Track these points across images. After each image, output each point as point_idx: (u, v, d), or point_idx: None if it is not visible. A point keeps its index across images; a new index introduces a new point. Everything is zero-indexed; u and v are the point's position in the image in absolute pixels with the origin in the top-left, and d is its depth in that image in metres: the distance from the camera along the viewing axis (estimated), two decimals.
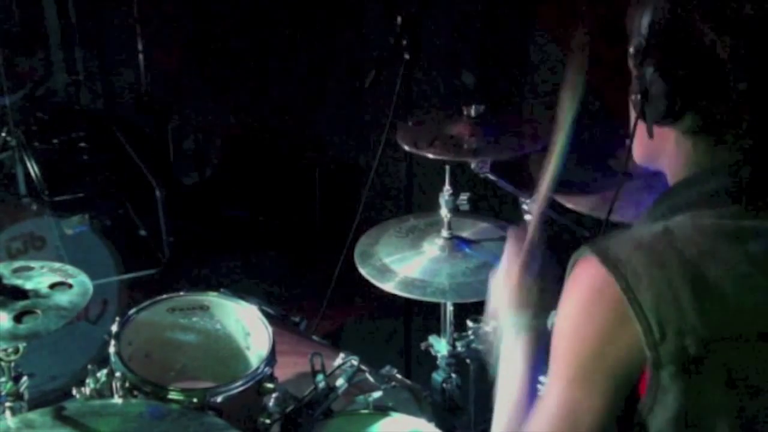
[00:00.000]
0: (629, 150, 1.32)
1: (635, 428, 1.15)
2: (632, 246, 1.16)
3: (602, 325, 1.13)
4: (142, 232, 4.23)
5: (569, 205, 2.24)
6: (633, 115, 1.27)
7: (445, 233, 2.47)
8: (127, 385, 2.02)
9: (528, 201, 2.54)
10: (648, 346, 1.10)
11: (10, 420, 1.80)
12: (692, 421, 1.12)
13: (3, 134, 4.32)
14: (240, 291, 2.46)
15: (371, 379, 2.30)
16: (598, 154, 2.29)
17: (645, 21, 1.18)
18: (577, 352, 1.15)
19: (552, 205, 2.58)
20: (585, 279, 1.17)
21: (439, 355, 2.58)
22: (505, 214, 2.69)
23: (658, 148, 1.25)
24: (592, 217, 2.82)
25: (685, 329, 1.09)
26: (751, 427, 1.13)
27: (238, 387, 2.03)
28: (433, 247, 2.47)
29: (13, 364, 1.86)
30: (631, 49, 1.21)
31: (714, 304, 1.11)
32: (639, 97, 1.20)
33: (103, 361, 2.14)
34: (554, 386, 1.18)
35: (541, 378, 1.31)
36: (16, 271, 1.95)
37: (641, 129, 1.26)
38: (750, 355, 1.12)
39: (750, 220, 1.17)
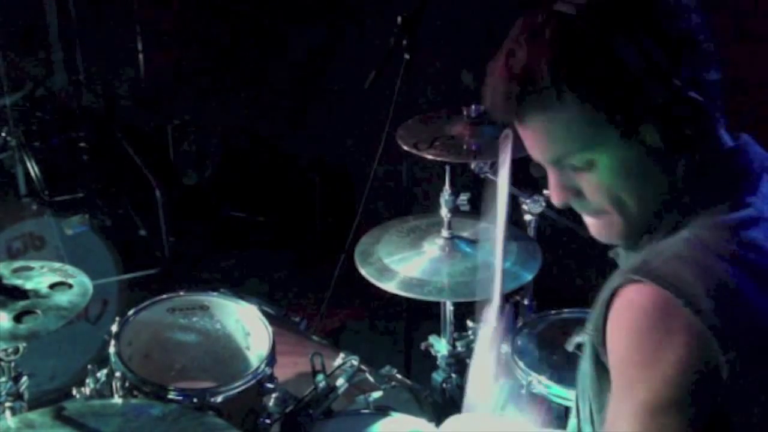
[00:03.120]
0: None
1: None
2: (674, 261, 1.13)
3: (677, 346, 1.09)
4: (142, 232, 4.22)
5: None
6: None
7: (445, 233, 2.47)
8: (127, 385, 2.02)
9: (528, 201, 2.54)
10: (722, 353, 1.07)
11: (10, 420, 1.80)
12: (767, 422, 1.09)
13: (3, 134, 4.31)
14: (240, 291, 2.46)
15: (371, 379, 2.30)
16: None
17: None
18: (657, 378, 1.09)
19: (552, 206, 2.60)
20: (644, 304, 1.12)
21: (439, 355, 2.58)
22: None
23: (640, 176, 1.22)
24: None
25: (753, 328, 1.08)
26: None
27: (238, 387, 2.03)
28: (433, 247, 2.47)
29: (13, 364, 1.86)
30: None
31: None
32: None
33: (103, 361, 2.15)
34: (634, 420, 1.10)
35: None
36: (16, 271, 1.95)
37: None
38: None
39: (754, 209, 1.17)
